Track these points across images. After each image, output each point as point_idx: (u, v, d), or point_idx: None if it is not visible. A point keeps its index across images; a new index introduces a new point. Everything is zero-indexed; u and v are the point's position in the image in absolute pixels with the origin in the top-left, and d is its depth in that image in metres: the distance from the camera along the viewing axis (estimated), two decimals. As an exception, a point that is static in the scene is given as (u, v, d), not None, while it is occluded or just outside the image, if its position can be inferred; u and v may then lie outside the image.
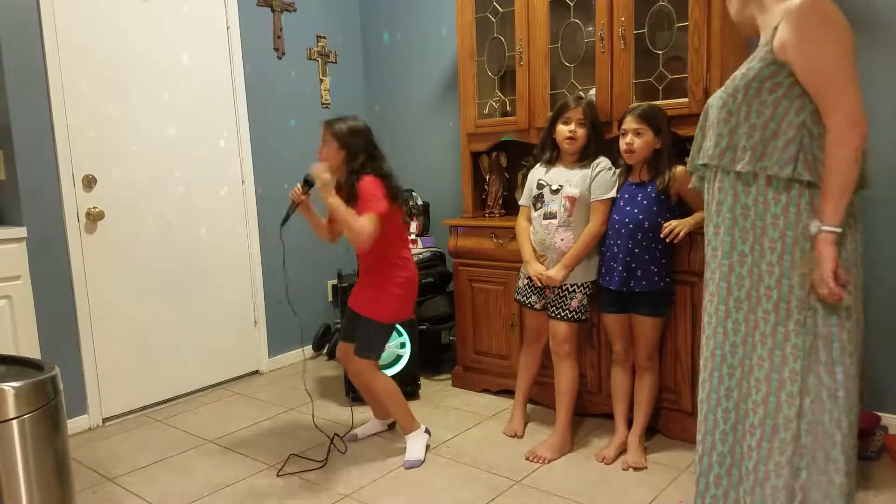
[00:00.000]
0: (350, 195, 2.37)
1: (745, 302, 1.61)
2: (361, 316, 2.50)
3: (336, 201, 2.30)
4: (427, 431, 2.59)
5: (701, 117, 1.78)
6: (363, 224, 2.28)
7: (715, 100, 1.69)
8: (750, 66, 1.57)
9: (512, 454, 2.52)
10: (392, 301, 2.47)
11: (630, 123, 2.34)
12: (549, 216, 2.51)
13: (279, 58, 3.64)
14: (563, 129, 2.48)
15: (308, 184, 2.42)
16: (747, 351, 1.61)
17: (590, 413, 2.78)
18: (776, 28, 1.52)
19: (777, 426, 1.54)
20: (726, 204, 1.63)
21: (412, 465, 2.46)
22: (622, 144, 2.37)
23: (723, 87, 1.66)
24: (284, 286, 3.50)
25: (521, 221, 2.64)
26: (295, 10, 3.69)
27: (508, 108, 3.19)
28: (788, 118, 1.53)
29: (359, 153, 2.39)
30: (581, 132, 2.46)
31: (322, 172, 2.31)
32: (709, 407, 1.71)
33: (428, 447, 2.57)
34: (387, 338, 2.54)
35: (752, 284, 1.59)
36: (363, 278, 2.57)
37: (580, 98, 2.50)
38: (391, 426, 2.80)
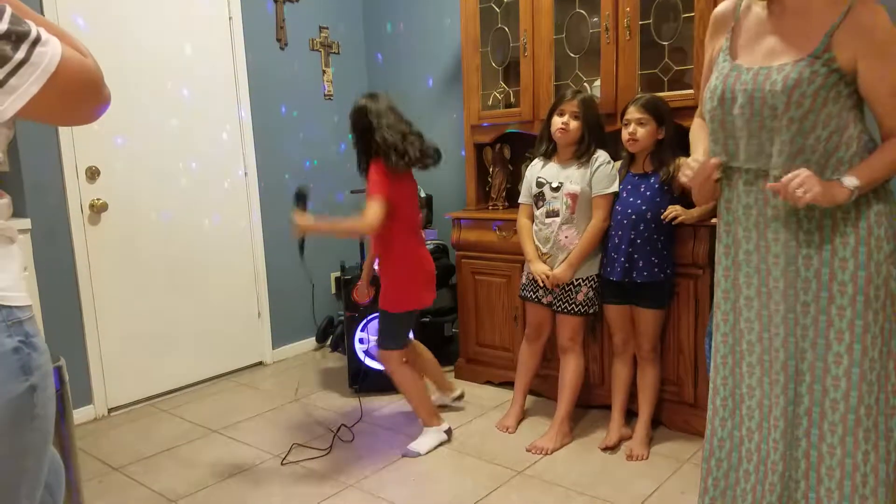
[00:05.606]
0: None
1: (812, 305, 1.56)
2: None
3: (321, 226, 2.35)
4: (447, 432, 2.59)
5: (715, 107, 1.58)
6: (358, 221, 2.31)
7: (747, 94, 1.52)
8: (813, 69, 1.46)
9: (514, 445, 2.53)
10: (394, 289, 2.46)
11: (633, 113, 2.33)
12: (552, 214, 2.49)
13: (282, 49, 3.63)
14: (556, 121, 2.45)
15: (301, 199, 2.33)
16: (819, 353, 1.57)
17: (593, 405, 2.79)
18: (835, 30, 1.44)
19: (860, 418, 1.53)
20: (785, 208, 1.55)
21: (407, 454, 2.47)
22: (625, 134, 2.36)
23: (759, 81, 1.50)
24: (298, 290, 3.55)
25: (521, 220, 2.62)
26: (297, 1, 3.67)
27: (512, 100, 3.18)
28: (850, 131, 1.50)
29: (356, 132, 2.40)
30: (574, 125, 2.42)
31: (297, 223, 2.27)
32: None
33: (442, 444, 2.56)
34: (399, 327, 2.49)
35: (822, 284, 1.55)
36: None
37: (578, 92, 2.47)
38: (458, 398, 2.87)
